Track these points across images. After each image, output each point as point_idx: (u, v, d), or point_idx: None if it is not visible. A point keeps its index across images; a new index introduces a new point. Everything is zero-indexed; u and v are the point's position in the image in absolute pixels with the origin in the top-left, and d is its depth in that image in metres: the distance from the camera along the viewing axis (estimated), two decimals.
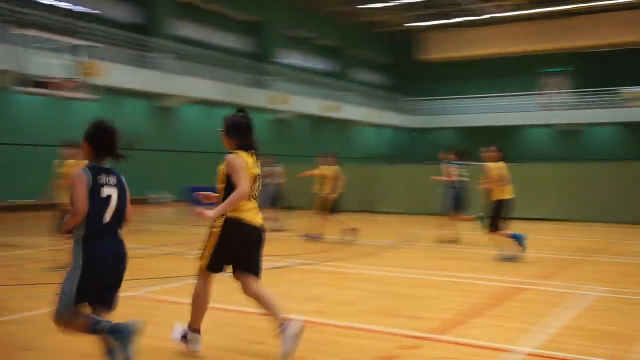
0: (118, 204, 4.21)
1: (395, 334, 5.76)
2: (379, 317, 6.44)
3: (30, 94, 14.69)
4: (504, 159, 10.39)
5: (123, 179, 4.32)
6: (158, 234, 14.25)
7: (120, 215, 4.26)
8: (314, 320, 6.25)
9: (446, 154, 13.22)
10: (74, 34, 15.04)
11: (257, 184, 5.09)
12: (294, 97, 32.50)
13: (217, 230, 5.02)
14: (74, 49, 15.39)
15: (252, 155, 5.09)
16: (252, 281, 5.14)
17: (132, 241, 12.51)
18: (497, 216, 10.27)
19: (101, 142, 4.21)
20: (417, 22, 40.65)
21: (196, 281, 5.29)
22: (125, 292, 7.59)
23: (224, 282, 8.37)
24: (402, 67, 46.31)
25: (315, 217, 13.25)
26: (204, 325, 6.05)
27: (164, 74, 25.24)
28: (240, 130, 5.11)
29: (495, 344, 5.48)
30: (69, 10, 16.00)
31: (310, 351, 5.23)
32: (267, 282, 8.37)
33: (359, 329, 5.94)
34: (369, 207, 20.80)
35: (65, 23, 15.39)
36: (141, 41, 25.08)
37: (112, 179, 4.21)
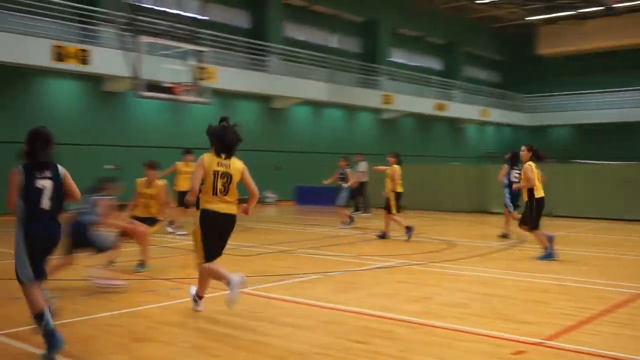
0: (53, 193, 5.09)
1: (507, 339, 5.50)
2: (490, 320, 6.18)
3: (152, 98, 15.45)
4: (535, 157, 10.58)
5: (61, 172, 5.23)
6: (266, 233, 14.52)
7: (57, 202, 5.14)
8: (423, 321, 6.09)
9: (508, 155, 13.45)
10: (187, 40, 15.65)
11: (222, 180, 6.17)
12: (403, 97, 32.16)
13: (196, 226, 6.24)
14: (188, 55, 16.04)
15: (222, 157, 6.21)
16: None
17: (241, 239, 12.82)
18: (534, 214, 10.25)
19: (32, 145, 5.13)
20: (532, 15, 39.04)
21: (202, 270, 6.36)
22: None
23: (332, 282, 8.38)
24: (516, 63, 44.64)
25: (385, 217, 13.34)
26: (308, 322, 6.04)
27: (274, 76, 25.78)
28: (215, 138, 6.21)
29: (615, 352, 5.09)
30: (180, 15, 16.63)
31: (420, 354, 5.08)
32: (374, 281, 8.31)
33: (471, 333, 5.71)
34: (480, 208, 20.19)
35: (178, 29, 16.04)
36: (252, 45, 25.76)
37: (47, 173, 5.11)
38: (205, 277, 6.44)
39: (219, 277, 6.27)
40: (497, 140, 42.74)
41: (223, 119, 6.29)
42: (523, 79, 43.94)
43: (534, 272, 9.04)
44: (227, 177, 6.20)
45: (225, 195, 6.20)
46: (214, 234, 6.24)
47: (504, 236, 13.32)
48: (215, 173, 6.14)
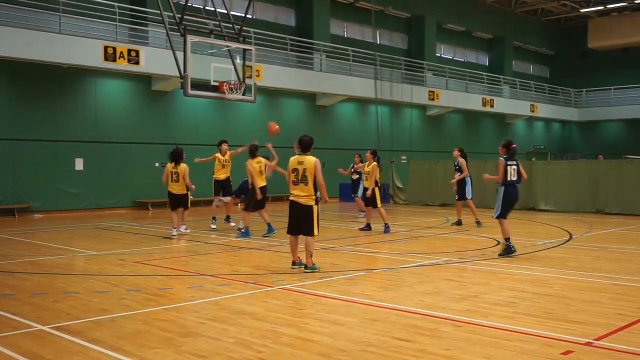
0: None
1: (556, 339, 5.37)
2: (539, 320, 6.05)
3: (199, 97, 15.63)
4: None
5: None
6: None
7: None
8: (469, 320, 6.01)
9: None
10: (234, 38, 15.79)
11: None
12: (449, 93, 31.78)
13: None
14: (234, 53, 16.18)
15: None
16: None
17: (284, 236, 12.89)
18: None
19: None
20: (584, 7, 38.02)
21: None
22: (279, 284, 7.82)
23: (376, 279, 8.34)
24: (565, 57, 43.56)
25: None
26: (352, 319, 6.04)
27: (320, 73, 25.82)
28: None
29: None
30: (226, 14, 16.76)
31: (466, 352, 5.01)
32: (418, 279, 8.24)
33: (518, 332, 5.60)
34: (528, 205, 19.82)
35: (225, 28, 16.21)
36: (297, 42, 25.85)
37: None
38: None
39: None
40: (546, 136, 41.84)
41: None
42: (573, 73, 42.86)
43: (584, 271, 8.81)
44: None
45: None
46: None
47: (459, 223, 15.00)
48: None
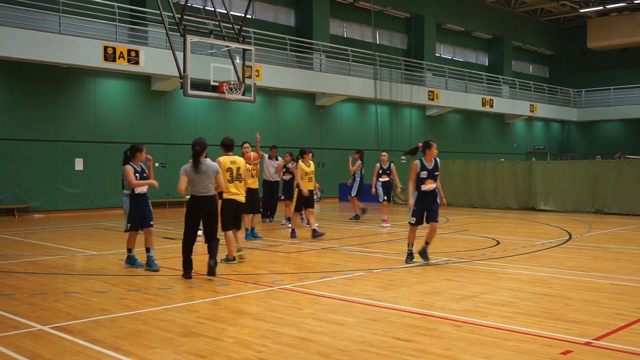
0: None
1: (556, 339, 5.38)
2: (538, 320, 6.06)
3: (198, 97, 15.63)
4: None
5: None
6: (310, 229, 14.53)
7: None
8: (468, 320, 6.02)
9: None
10: (234, 38, 15.79)
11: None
12: (449, 92, 31.80)
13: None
14: (234, 53, 16.18)
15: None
16: None
17: (285, 236, 12.86)
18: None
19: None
20: (584, 8, 38.02)
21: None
22: (279, 284, 7.82)
23: (376, 279, 8.35)
24: (565, 57, 43.57)
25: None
26: (352, 319, 6.03)
27: (319, 73, 25.82)
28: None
29: None
30: (226, 14, 16.76)
31: (466, 352, 5.02)
32: (418, 279, 8.25)
33: (518, 332, 5.61)
34: (527, 205, 19.83)
35: (224, 28, 16.21)
36: (297, 42, 25.86)
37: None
38: None
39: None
40: (546, 136, 41.86)
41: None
42: (572, 73, 42.87)
43: (584, 271, 8.83)
44: None
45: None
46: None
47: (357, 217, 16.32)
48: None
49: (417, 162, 9.24)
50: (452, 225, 15.36)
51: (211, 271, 8.05)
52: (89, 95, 20.24)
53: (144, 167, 9.14)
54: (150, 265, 8.80)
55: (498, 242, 11.92)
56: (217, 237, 8.26)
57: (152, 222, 9.01)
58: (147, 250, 8.86)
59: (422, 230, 9.46)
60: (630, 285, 7.81)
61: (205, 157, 8.38)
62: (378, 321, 6.00)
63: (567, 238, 12.65)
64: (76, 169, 19.83)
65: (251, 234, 12.47)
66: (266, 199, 15.74)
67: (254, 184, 12.28)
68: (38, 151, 18.97)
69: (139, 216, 8.86)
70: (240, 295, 7.22)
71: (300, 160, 12.98)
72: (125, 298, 7.07)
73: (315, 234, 12.52)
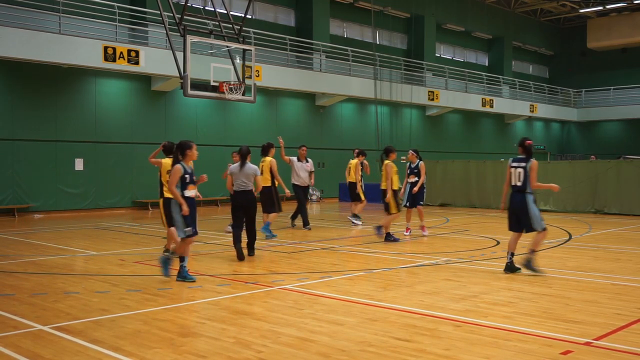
0: None
1: (556, 339, 5.38)
2: (538, 320, 6.06)
3: (199, 97, 15.62)
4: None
5: None
6: (312, 230, 14.55)
7: None
8: (468, 320, 6.02)
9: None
10: (234, 38, 15.79)
11: None
12: (449, 93, 31.80)
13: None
14: (234, 53, 16.17)
15: None
16: None
17: (285, 236, 12.88)
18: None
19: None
20: (583, 8, 38.01)
21: None
22: (279, 284, 7.83)
23: (376, 279, 8.35)
24: (565, 57, 43.56)
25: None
26: (351, 319, 6.03)
27: (319, 73, 25.82)
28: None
29: None
30: (226, 14, 16.76)
31: (466, 352, 5.02)
32: (418, 279, 8.25)
33: (518, 332, 5.62)
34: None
35: (224, 28, 16.21)
36: (297, 42, 25.86)
37: None
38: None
39: None
40: (546, 136, 41.86)
41: None
42: (572, 73, 42.87)
43: (584, 271, 8.83)
44: None
45: None
46: None
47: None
48: None
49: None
50: (452, 225, 15.36)
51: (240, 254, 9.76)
52: (89, 95, 20.25)
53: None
54: (184, 277, 8.03)
55: (498, 242, 11.92)
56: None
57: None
58: (182, 259, 8.10)
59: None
60: (630, 285, 7.81)
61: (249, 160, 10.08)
62: (378, 321, 6.00)
63: (567, 238, 12.65)
64: (76, 169, 19.83)
65: (267, 229, 12.54)
66: (301, 206, 14.47)
67: (266, 182, 12.58)
68: (38, 151, 18.98)
69: (192, 220, 8.07)
70: (240, 296, 7.22)
71: (385, 160, 12.80)
72: (125, 298, 7.07)
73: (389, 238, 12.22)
